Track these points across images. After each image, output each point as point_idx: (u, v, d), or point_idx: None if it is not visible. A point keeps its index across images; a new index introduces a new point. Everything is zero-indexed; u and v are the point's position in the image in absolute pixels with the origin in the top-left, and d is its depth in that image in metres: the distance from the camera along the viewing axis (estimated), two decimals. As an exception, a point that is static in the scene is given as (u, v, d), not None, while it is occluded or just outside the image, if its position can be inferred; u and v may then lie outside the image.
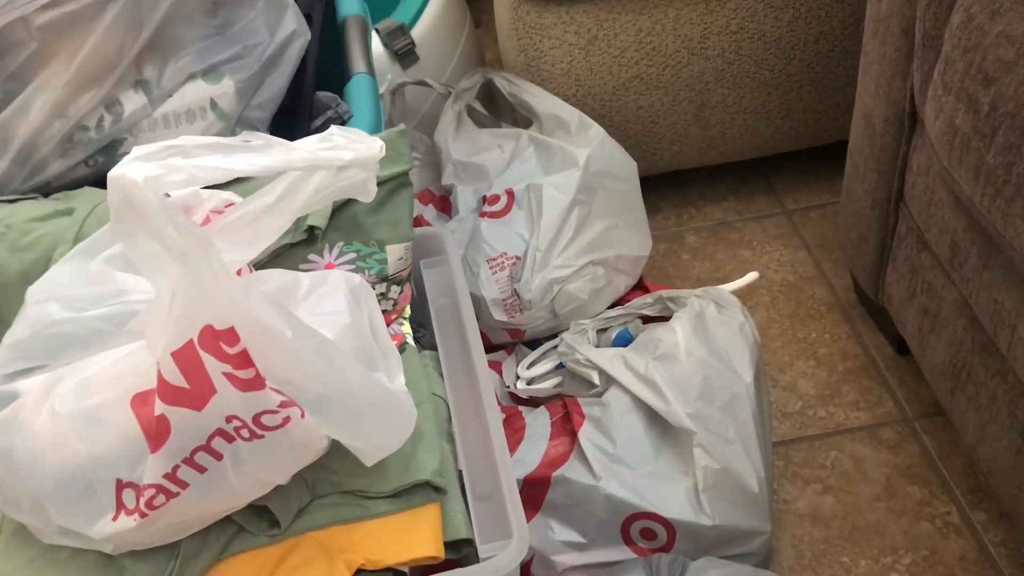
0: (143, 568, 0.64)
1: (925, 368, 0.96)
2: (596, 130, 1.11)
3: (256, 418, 0.55)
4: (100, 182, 0.83)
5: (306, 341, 0.54)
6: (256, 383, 0.53)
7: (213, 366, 0.52)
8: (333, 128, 0.55)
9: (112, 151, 0.84)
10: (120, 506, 0.59)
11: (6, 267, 0.74)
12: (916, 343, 0.97)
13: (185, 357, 0.52)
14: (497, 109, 1.32)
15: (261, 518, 0.67)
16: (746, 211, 1.36)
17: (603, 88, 1.21)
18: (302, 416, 0.57)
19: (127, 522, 0.58)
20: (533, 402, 1.01)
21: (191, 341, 0.52)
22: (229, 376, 0.53)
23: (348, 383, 0.58)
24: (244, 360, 0.52)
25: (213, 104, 0.85)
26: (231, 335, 0.51)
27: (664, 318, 1.00)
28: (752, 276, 1.03)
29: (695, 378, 0.88)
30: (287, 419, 0.55)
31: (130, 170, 0.46)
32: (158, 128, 0.85)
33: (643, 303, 1.01)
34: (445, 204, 1.19)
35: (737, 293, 1.03)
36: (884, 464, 1.02)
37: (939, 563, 0.93)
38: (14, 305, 0.74)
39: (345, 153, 0.53)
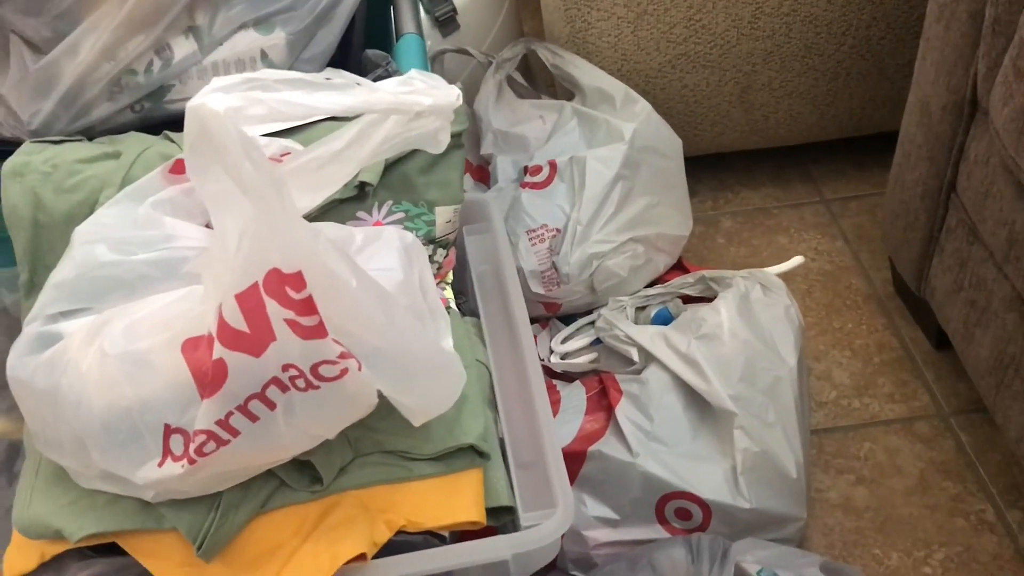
0: (182, 517, 0.63)
1: (968, 363, 0.95)
2: (643, 105, 1.09)
3: (314, 368, 0.53)
4: (145, 128, 0.82)
5: (369, 292, 0.53)
6: (318, 331, 0.52)
7: (275, 312, 0.51)
8: (413, 72, 0.53)
9: (159, 97, 0.83)
10: (167, 452, 0.58)
11: (50, 208, 0.73)
12: (960, 337, 0.96)
13: (248, 300, 0.51)
14: (533, 81, 1.31)
15: (303, 473, 0.66)
16: (784, 198, 1.34)
17: (649, 64, 1.19)
18: (359, 369, 0.55)
19: (173, 468, 0.57)
20: (567, 376, 1.00)
21: (256, 284, 0.50)
22: (291, 323, 0.51)
23: (406, 339, 0.57)
24: (308, 307, 0.51)
25: (263, 55, 0.84)
26: (298, 280, 0.49)
27: (705, 299, 0.99)
28: (797, 260, 1.02)
29: (738, 359, 0.87)
30: (345, 371, 0.54)
31: (211, 100, 0.44)
32: (207, 76, 0.83)
33: (684, 282, 1.00)
34: (483, 174, 1.18)
35: (777, 278, 1.02)
36: (918, 458, 1.01)
37: (973, 560, 0.92)
38: (56, 246, 0.73)
39: (425, 98, 0.52)
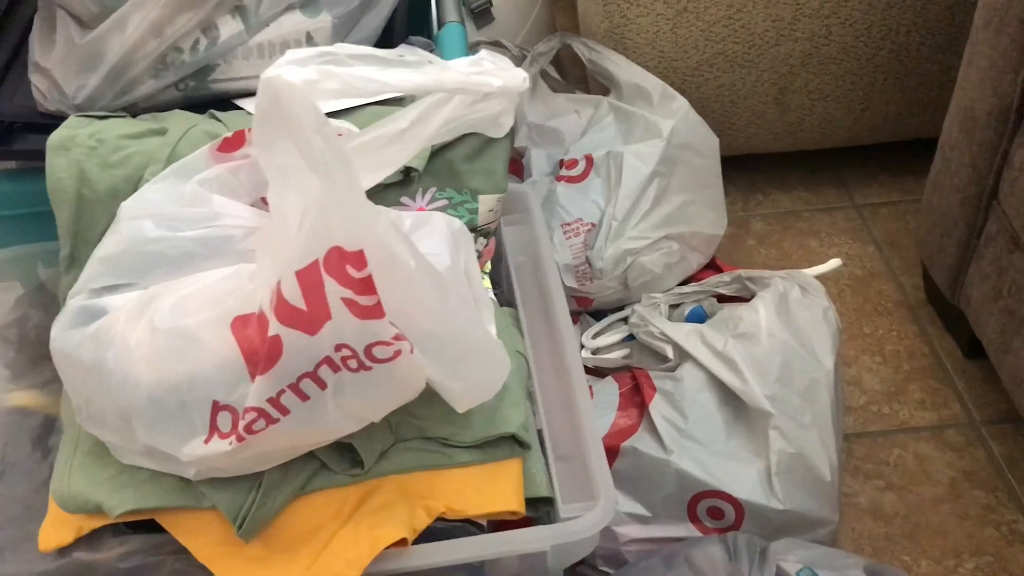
0: (223, 496, 0.62)
1: (1004, 372, 0.94)
2: (680, 102, 1.08)
3: (368, 349, 0.53)
4: (188, 107, 0.81)
5: (426, 275, 0.53)
6: (375, 311, 0.51)
7: (333, 290, 0.50)
8: (483, 52, 0.53)
9: (204, 76, 0.82)
10: (214, 429, 0.57)
11: (95, 182, 0.73)
12: (996, 346, 0.95)
13: (308, 277, 0.50)
14: (564, 76, 1.30)
15: (343, 457, 0.66)
16: (815, 202, 1.33)
17: (686, 62, 1.19)
18: (411, 352, 0.55)
19: (220, 445, 0.56)
20: (597, 372, 0.99)
21: (316, 261, 0.50)
22: (348, 302, 0.51)
23: (457, 323, 0.57)
24: (367, 286, 0.50)
25: (309, 37, 0.83)
26: (359, 258, 0.49)
27: (740, 298, 0.98)
28: (835, 263, 1.01)
29: (775, 359, 0.86)
30: (398, 353, 0.54)
31: (286, 72, 0.44)
32: (252, 57, 0.83)
33: (720, 281, 0.99)
34: (516, 166, 1.17)
35: (811, 280, 1.01)
36: (949, 466, 1.00)
37: (1003, 571, 0.91)
38: (99, 221, 0.73)
39: (494, 80, 0.52)
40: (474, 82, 0.51)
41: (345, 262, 0.49)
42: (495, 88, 0.52)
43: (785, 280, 0.93)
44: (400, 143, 0.53)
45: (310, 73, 0.45)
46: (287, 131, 0.46)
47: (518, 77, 0.54)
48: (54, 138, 0.74)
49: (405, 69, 0.48)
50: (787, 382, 0.86)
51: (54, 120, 0.78)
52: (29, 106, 0.82)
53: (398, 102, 0.77)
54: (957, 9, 1.15)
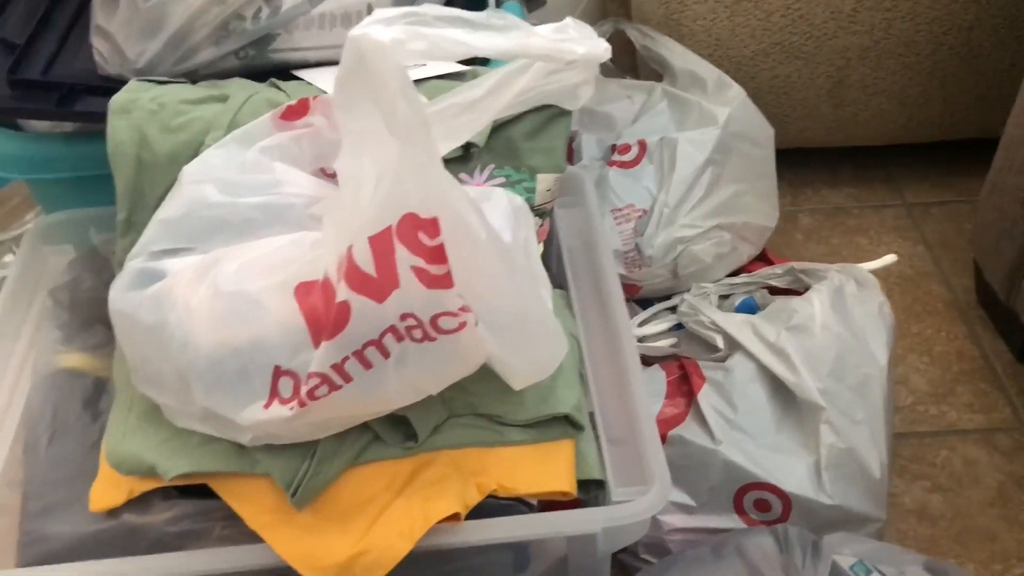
0: (277, 463, 0.62)
1: (1060, 376, 0.92)
2: (737, 91, 1.07)
3: (434, 319, 0.52)
4: (247, 75, 0.81)
5: (495, 248, 0.52)
6: (445, 281, 0.50)
7: (403, 258, 0.50)
8: (568, 20, 0.52)
9: (264, 45, 0.82)
10: (274, 394, 0.57)
11: (155, 146, 0.72)
12: (1052, 350, 0.93)
13: (380, 244, 0.50)
14: (613, 62, 1.29)
15: (397, 429, 0.65)
16: (865, 199, 1.31)
17: (742, 51, 1.17)
18: (475, 325, 0.54)
19: (280, 411, 0.56)
20: (643, 360, 0.98)
21: (389, 228, 0.49)
22: (418, 270, 0.50)
23: (522, 299, 0.56)
24: (438, 255, 0.49)
25: (370, 9, 0.83)
26: (433, 226, 0.48)
27: (791, 291, 0.97)
28: (890, 259, 0.99)
29: (828, 353, 0.85)
30: (463, 325, 0.53)
31: (373, 31, 0.43)
32: (313, 27, 0.83)
33: (772, 273, 0.98)
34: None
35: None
36: (998, 470, 0.98)
37: (1052, 577, 0.90)
38: (157, 186, 0.73)
39: (578, 47, 0.51)
40: (559, 49, 0.50)
41: (418, 229, 0.49)
42: (579, 56, 0.51)
43: (840, 273, 0.92)
44: (473, 112, 0.52)
45: (397, 33, 0.44)
46: (370, 92, 0.45)
47: (600, 46, 0.53)
48: (116, 101, 0.74)
49: (491, 32, 0.48)
50: (840, 376, 0.84)
51: (114, 84, 0.78)
52: (90, 69, 0.82)
53: (458, 77, 0.76)
54: (1022, 5, 1.13)
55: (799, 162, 1.34)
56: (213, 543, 0.65)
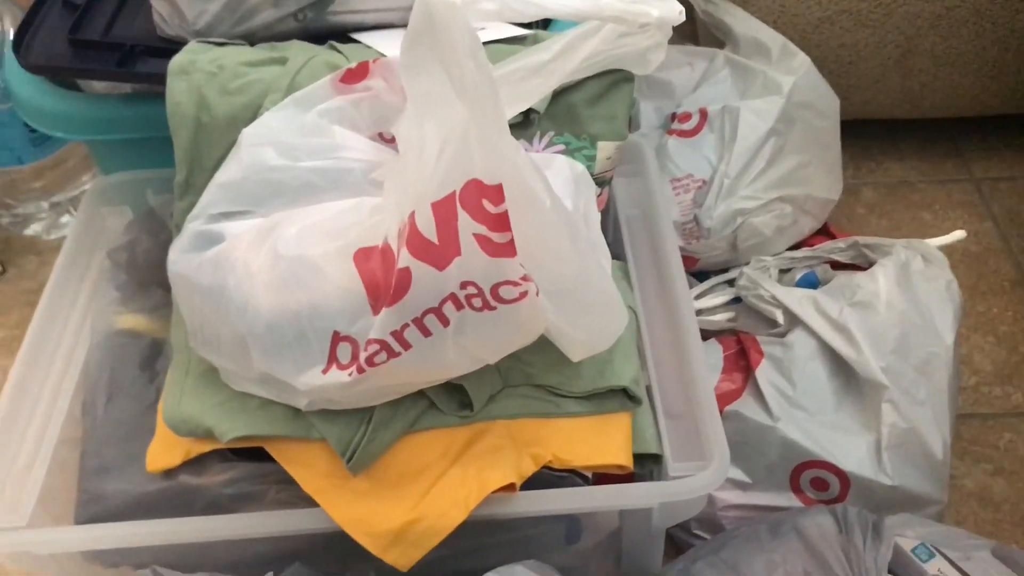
0: (333, 429, 0.62)
1: None
2: (802, 59, 1.04)
3: (495, 288, 0.52)
4: (305, 38, 0.80)
5: (559, 216, 0.51)
6: (507, 249, 0.49)
7: (465, 225, 0.49)
8: (641, -21, 0.50)
9: (322, 8, 0.81)
10: (332, 359, 0.57)
11: (214, 108, 0.72)
12: None
13: (443, 210, 0.49)
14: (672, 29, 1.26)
15: (452, 398, 0.65)
16: (930, 173, 1.28)
17: (807, 18, 1.14)
18: (536, 294, 0.53)
19: (339, 376, 0.56)
20: (700, 334, 0.97)
21: (453, 194, 0.48)
22: (480, 238, 0.49)
23: (584, 268, 0.55)
24: (502, 222, 0.48)
25: (430, -28, 0.81)
26: (498, 193, 0.47)
27: (854, 266, 0.94)
28: (959, 234, 0.96)
29: (892, 331, 0.83)
30: (524, 294, 0.52)
31: (444, -10, 0.42)
32: (372, -11, 0.82)
33: (834, 247, 0.95)
34: (623, 119, 1.14)
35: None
36: (1063, 455, 0.96)
37: (1119, 566, 0.87)
38: (215, 148, 0.73)
39: (652, 9, 0.49)
40: (633, 11, 0.49)
41: (482, 196, 0.48)
42: (653, 18, 0.50)
43: (907, 249, 0.89)
44: (540, 77, 0.51)
45: (468, -8, 0.43)
46: (438, 54, 0.44)
47: (675, 9, 0.52)
48: (175, 62, 0.73)
49: (563, -7, 0.46)
50: (904, 355, 0.82)
51: (174, 45, 0.77)
52: (149, 30, 0.82)
53: (520, 41, 0.75)
54: (1106, -27, 1.08)
55: (862, 133, 1.30)
56: (268, 506, 0.66)
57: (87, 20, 0.83)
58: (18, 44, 0.82)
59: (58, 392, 0.74)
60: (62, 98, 0.84)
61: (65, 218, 1.20)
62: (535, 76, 0.50)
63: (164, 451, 0.67)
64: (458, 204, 0.48)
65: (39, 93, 0.84)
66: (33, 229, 1.21)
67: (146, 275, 0.81)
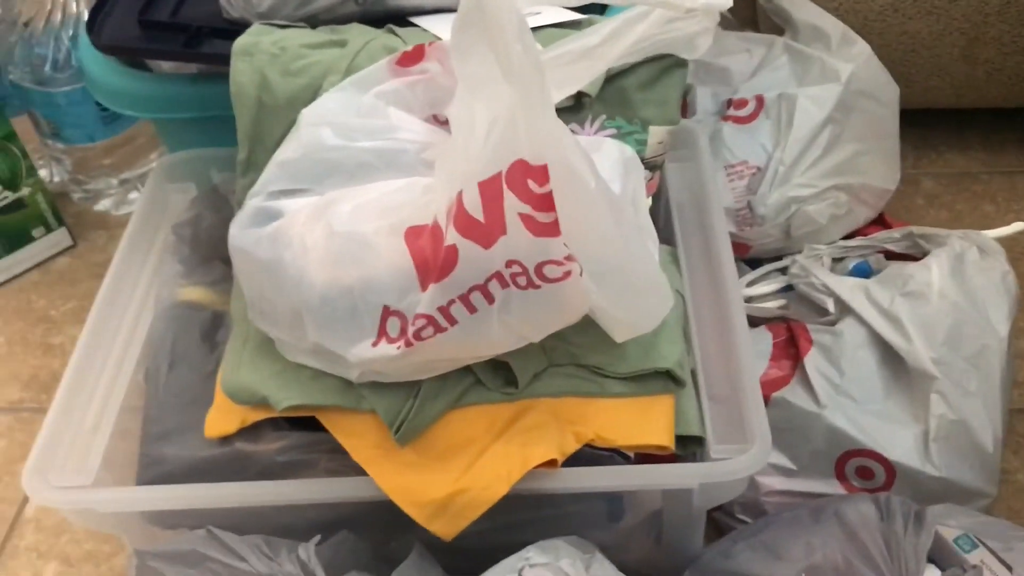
0: (382, 401, 0.64)
1: None
2: (862, 46, 1.03)
3: (539, 267, 0.53)
4: (364, 21, 0.82)
5: (603, 198, 0.52)
6: (552, 229, 0.51)
7: (512, 204, 0.50)
8: (688, -34, 0.51)
9: (383, -9, 0.83)
10: (382, 333, 0.59)
11: (276, 89, 0.74)
12: None
13: (490, 189, 0.50)
14: (733, 14, 1.25)
15: (497, 374, 0.66)
16: (994, 163, 1.25)
17: (870, 5, 1.12)
18: (580, 274, 0.54)
19: (388, 350, 0.58)
20: (750, 321, 0.96)
21: (499, 174, 0.50)
22: (525, 218, 0.50)
23: (628, 251, 0.56)
24: (547, 202, 0.50)
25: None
26: (543, 173, 0.48)
27: (910, 256, 0.94)
28: (1018, 226, 0.95)
29: (944, 321, 0.82)
30: (567, 274, 0.53)
31: (492, -26, 0.43)
32: (431, -26, 0.83)
33: (889, 237, 0.95)
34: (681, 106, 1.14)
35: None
36: (1123, 453, 0.94)
37: None
38: (276, 128, 0.75)
39: (698, -5, 0.50)
40: (677, -4, 0.50)
41: (528, 176, 0.49)
42: (699, 4, 0.50)
43: (962, 240, 0.88)
44: (588, 60, 0.52)
45: (516, -22, 0.44)
46: (486, 37, 0.45)
47: (721, -5, 0.52)
48: (239, 43, 0.76)
49: (609, -21, 0.47)
50: (955, 346, 0.81)
51: (238, 27, 0.80)
52: (215, 12, 0.84)
53: (575, 25, 0.76)
54: None
55: (924, 123, 1.28)
56: (318, 474, 0.68)
57: (156, 2, 0.86)
58: (91, 25, 0.86)
59: (123, 360, 0.77)
60: (131, 78, 0.87)
61: (133, 194, 1.24)
62: (584, 59, 0.51)
63: (221, 418, 0.69)
64: (504, 184, 0.50)
65: (110, 73, 0.87)
66: (103, 205, 1.25)
67: (208, 249, 0.84)
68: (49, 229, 1.19)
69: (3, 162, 1.10)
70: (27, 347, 1.11)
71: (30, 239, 1.18)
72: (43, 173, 1.24)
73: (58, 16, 1.09)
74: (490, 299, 0.55)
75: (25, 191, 1.14)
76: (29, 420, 1.03)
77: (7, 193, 1.13)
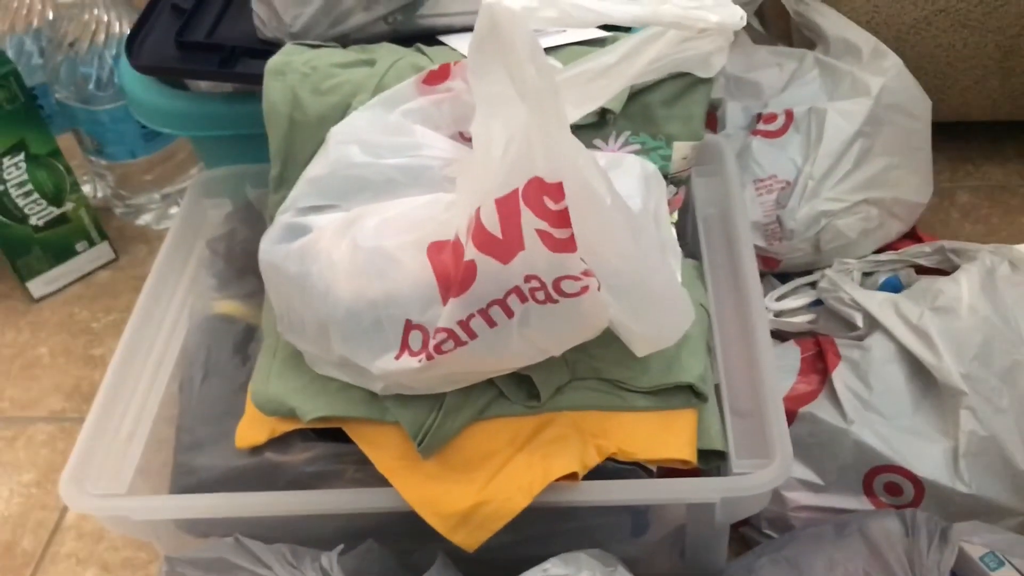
0: (406, 413, 0.65)
1: None
2: (893, 60, 1.02)
3: (556, 282, 0.54)
4: (395, 40, 0.84)
5: (620, 213, 0.52)
6: (568, 245, 0.51)
7: (529, 221, 0.51)
8: (702, -14, 0.52)
9: (411, 11, 0.84)
10: (405, 346, 0.60)
11: (307, 107, 0.76)
12: None
13: (506, 206, 0.51)
14: (767, 28, 1.25)
15: (520, 388, 0.67)
16: (1032, 177, 1.24)
17: (902, 18, 1.12)
18: (598, 289, 0.55)
19: (410, 362, 0.59)
20: (779, 335, 0.97)
21: (516, 191, 0.51)
22: (542, 233, 0.51)
23: (647, 265, 0.57)
24: (563, 219, 0.51)
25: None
26: (558, 190, 0.49)
27: (941, 271, 0.93)
28: (1051, 240, 0.94)
29: (974, 337, 0.81)
30: (585, 288, 0.54)
31: (507, -1, 0.45)
32: (461, -7, 0.85)
33: (920, 251, 0.94)
34: (710, 120, 1.14)
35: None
36: None
37: None
38: (307, 145, 0.76)
39: (712, 15, 0.50)
40: (692, 16, 0.50)
41: (543, 193, 0.50)
42: (712, 24, 0.51)
43: (994, 254, 0.87)
44: (605, 79, 0.53)
45: (529, 0, 0.45)
46: (501, 58, 0.46)
47: (736, 14, 0.53)
48: (272, 63, 0.78)
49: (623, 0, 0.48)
50: (986, 362, 0.81)
51: (271, 47, 0.82)
52: (250, 32, 0.86)
53: (599, 43, 0.77)
54: None
55: (959, 136, 1.27)
56: (345, 484, 0.69)
57: (193, 23, 0.89)
58: (130, 46, 0.88)
59: (158, 371, 0.79)
60: (169, 96, 0.90)
61: (174, 209, 1.27)
62: (601, 78, 0.52)
63: (252, 429, 0.71)
64: (521, 201, 0.51)
65: (149, 92, 0.90)
66: (144, 219, 1.28)
67: (242, 264, 0.86)
68: (92, 243, 1.22)
69: (48, 178, 1.14)
70: (69, 358, 1.14)
71: (73, 253, 1.21)
72: (87, 189, 1.28)
73: (102, 36, 1.12)
74: (509, 313, 0.56)
75: (69, 206, 1.17)
76: (71, 430, 1.06)
77: (52, 208, 1.16)
